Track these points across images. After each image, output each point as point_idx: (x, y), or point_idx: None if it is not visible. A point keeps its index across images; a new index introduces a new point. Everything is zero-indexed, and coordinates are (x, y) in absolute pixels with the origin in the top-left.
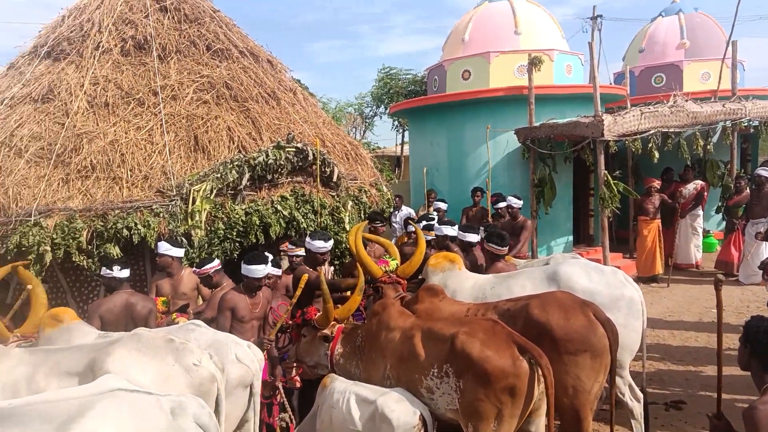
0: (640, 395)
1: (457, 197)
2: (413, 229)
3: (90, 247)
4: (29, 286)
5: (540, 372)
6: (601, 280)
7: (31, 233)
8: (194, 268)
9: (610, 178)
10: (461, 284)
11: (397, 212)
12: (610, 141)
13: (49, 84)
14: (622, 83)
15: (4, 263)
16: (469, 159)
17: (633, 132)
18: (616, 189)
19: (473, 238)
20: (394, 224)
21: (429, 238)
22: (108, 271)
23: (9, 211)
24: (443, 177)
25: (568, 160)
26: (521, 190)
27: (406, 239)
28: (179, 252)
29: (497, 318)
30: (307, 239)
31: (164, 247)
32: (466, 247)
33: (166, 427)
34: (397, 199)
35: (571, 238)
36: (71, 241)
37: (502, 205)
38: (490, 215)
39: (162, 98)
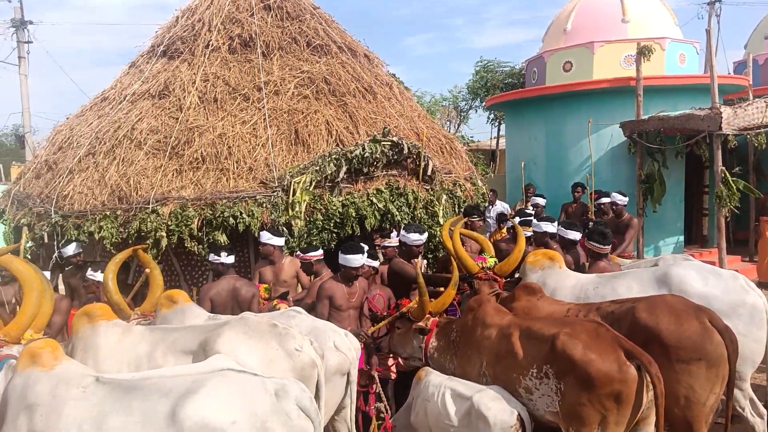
0: (764, 411)
1: (555, 193)
2: (509, 225)
3: (200, 233)
4: (147, 270)
5: (649, 379)
6: (718, 284)
7: (149, 220)
8: (298, 252)
9: (728, 174)
10: (561, 283)
11: (491, 207)
12: (728, 135)
13: (165, 81)
14: (743, 73)
15: (125, 247)
16: (569, 153)
17: (756, 125)
18: (735, 187)
19: (575, 235)
20: (487, 219)
21: (527, 234)
22: (216, 257)
23: (130, 199)
24: (541, 171)
25: (680, 155)
26: (626, 186)
27: (500, 235)
28: (280, 241)
29: (600, 320)
30: (402, 232)
31: (266, 237)
32: (567, 245)
33: (270, 408)
34: (491, 193)
35: (681, 238)
36: (184, 227)
37: (605, 200)
38: (591, 212)
39: (265, 93)
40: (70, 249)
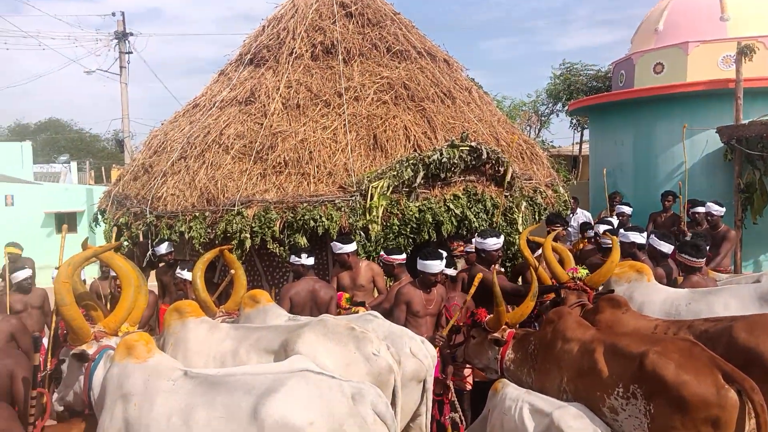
0: None
1: (643, 201)
2: (592, 234)
3: (282, 235)
4: (232, 270)
5: (751, 407)
6: None
7: (234, 221)
8: (382, 253)
9: None
10: (650, 297)
11: (572, 215)
12: None
13: (251, 88)
14: None
15: (213, 247)
16: (659, 160)
17: None
18: None
19: (667, 247)
20: (569, 228)
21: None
22: (296, 258)
23: (218, 201)
24: (627, 179)
25: None
26: (722, 195)
27: (582, 245)
28: (352, 247)
29: (692, 339)
30: (477, 239)
31: (337, 247)
32: (658, 257)
33: (347, 411)
34: (573, 201)
35: None
36: (267, 229)
37: (700, 210)
38: (684, 222)
39: (346, 99)
40: (163, 248)
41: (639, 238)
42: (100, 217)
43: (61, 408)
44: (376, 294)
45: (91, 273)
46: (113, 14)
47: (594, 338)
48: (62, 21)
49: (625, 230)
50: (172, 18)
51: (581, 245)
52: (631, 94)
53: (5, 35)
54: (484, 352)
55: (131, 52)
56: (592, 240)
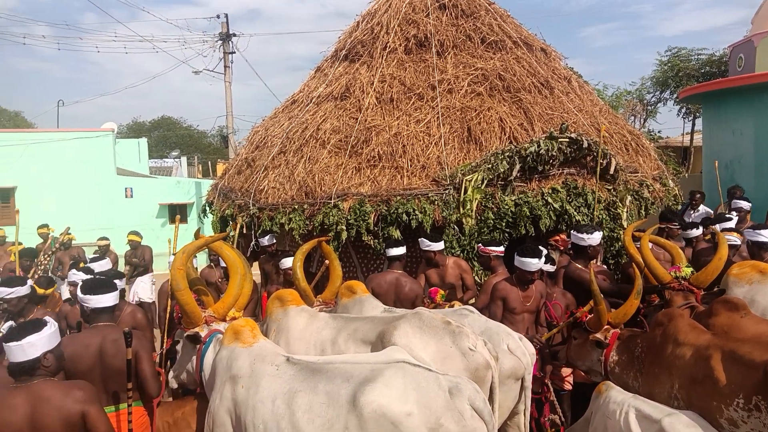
0: None
1: (765, 196)
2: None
3: (376, 228)
4: (327, 261)
5: None
6: None
7: (331, 214)
8: (479, 245)
9: None
10: None
11: (692, 212)
12: None
13: (346, 83)
14: None
15: (311, 238)
16: None
17: None
18: None
19: None
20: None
21: (734, 242)
22: (387, 249)
23: (315, 194)
24: (747, 171)
25: None
26: None
27: (704, 244)
28: (439, 245)
29: None
30: (574, 233)
31: (425, 244)
32: None
33: (443, 405)
34: (698, 195)
35: None
36: (361, 222)
37: None
38: None
39: (439, 92)
40: (266, 239)
41: (765, 236)
42: (207, 208)
43: (176, 385)
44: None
45: (201, 261)
46: (218, 17)
47: (710, 343)
48: (173, 24)
49: (754, 229)
50: (271, 18)
51: (704, 244)
52: (752, 79)
53: (124, 40)
54: (586, 353)
55: (234, 52)
56: (707, 238)
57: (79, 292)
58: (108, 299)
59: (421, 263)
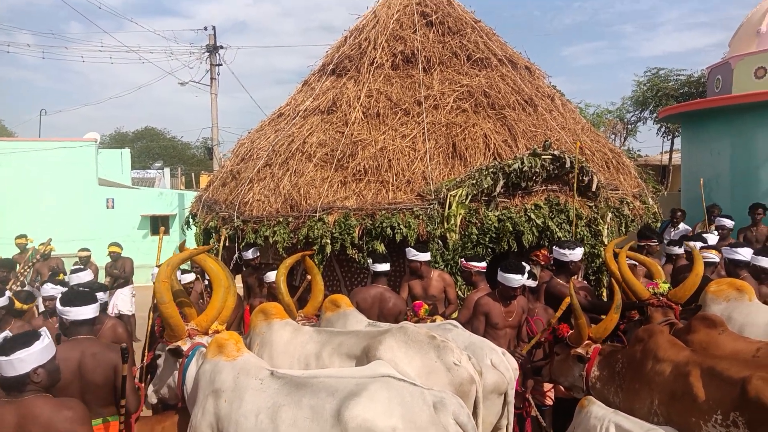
0: None
1: (741, 215)
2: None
3: (361, 242)
4: (309, 276)
5: None
6: None
7: (316, 227)
8: (462, 260)
9: None
10: (752, 318)
11: (672, 229)
12: None
13: (333, 97)
14: None
15: (295, 251)
16: (760, 171)
17: None
18: None
19: None
20: (665, 241)
21: (713, 260)
22: (373, 264)
23: (300, 207)
24: (724, 191)
25: None
26: None
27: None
28: (426, 256)
29: None
30: (557, 249)
31: (411, 253)
32: (761, 275)
33: (428, 420)
34: (679, 213)
35: None
36: (346, 236)
37: None
38: None
39: (425, 108)
40: (250, 253)
41: (742, 254)
42: (191, 220)
43: (155, 400)
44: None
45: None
46: (205, 29)
47: (689, 360)
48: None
49: (732, 246)
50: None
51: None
52: (729, 100)
53: (110, 50)
54: (569, 369)
55: (221, 65)
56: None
57: (58, 304)
58: (88, 311)
59: (406, 273)
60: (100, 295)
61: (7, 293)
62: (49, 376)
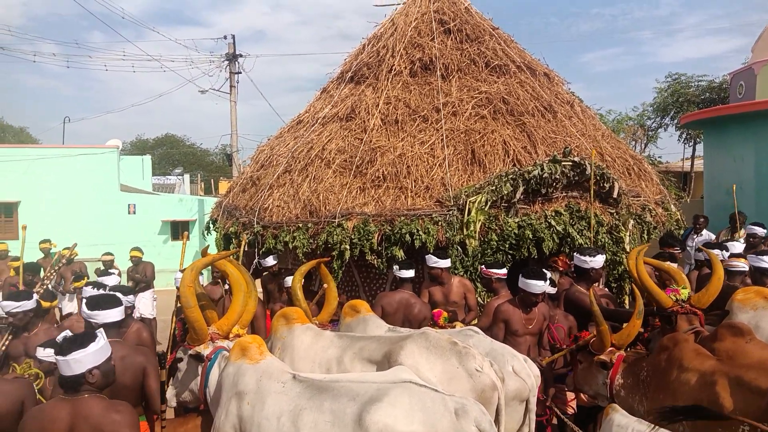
0: None
1: (766, 221)
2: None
3: (379, 248)
4: (325, 285)
5: None
6: None
7: (335, 233)
8: (482, 266)
9: None
10: None
11: (695, 236)
12: None
13: (352, 105)
14: None
15: (314, 257)
16: None
17: None
18: None
19: None
20: (689, 248)
21: (742, 268)
22: (399, 270)
23: (319, 213)
24: (748, 198)
25: None
26: None
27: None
28: (446, 263)
29: None
30: (577, 256)
31: (432, 261)
32: None
33: (449, 426)
34: (702, 220)
35: None
36: (365, 241)
37: None
38: None
39: (443, 114)
40: (270, 260)
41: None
42: (211, 226)
43: (175, 403)
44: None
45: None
46: (225, 37)
47: (715, 369)
48: (181, 44)
49: (757, 254)
50: (276, 39)
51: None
52: (753, 106)
53: (133, 59)
54: (592, 377)
55: (240, 72)
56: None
57: (85, 308)
58: (115, 314)
59: (425, 280)
60: (129, 298)
61: (35, 296)
62: (104, 376)
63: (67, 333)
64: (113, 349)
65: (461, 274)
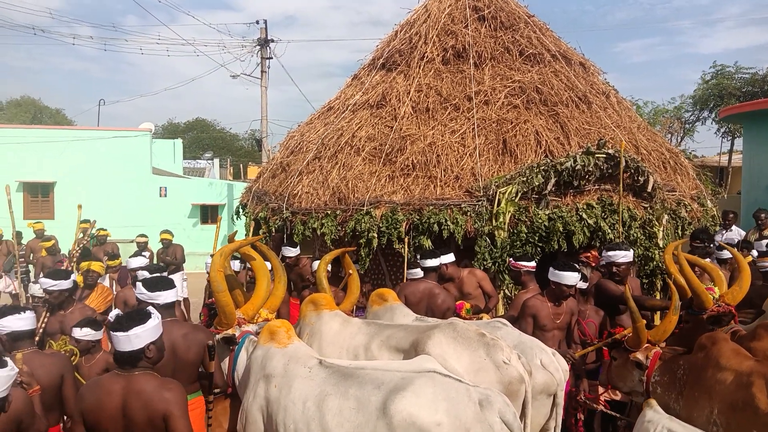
0: None
1: None
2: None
3: (407, 237)
4: (350, 271)
5: None
6: None
7: (363, 220)
8: (510, 259)
9: None
10: None
11: (724, 232)
12: None
13: (383, 92)
14: None
15: (343, 244)
16: None
17: None
18: None
19: None
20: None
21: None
22: (422, 259)
23: (348, 201)
24: None
25: None
26: None
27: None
28: (449, 257)
29: None
30: (605, 251)
31: (426, 263)
32: None
33: (473, 416)
34: (731, 215)
35: None
36: (393, 230)
37: None
38: None
39: (475, 103)
40: (290, 251)
41: None
42: (241, 210)
43: None
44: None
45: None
46: (257, 22)
47: (752, 370)
48: (214, 28)
49: None
50: (306, 24)
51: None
52: None
53: (167, 43)
54: (627, 374)
55: (271, 58)
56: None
57: (143, 290)
58: (172, 295)
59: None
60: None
61: (73, 276)
62: (158, 352)
63: (117, 312)
64: (175, 327)
65: (489, 265)
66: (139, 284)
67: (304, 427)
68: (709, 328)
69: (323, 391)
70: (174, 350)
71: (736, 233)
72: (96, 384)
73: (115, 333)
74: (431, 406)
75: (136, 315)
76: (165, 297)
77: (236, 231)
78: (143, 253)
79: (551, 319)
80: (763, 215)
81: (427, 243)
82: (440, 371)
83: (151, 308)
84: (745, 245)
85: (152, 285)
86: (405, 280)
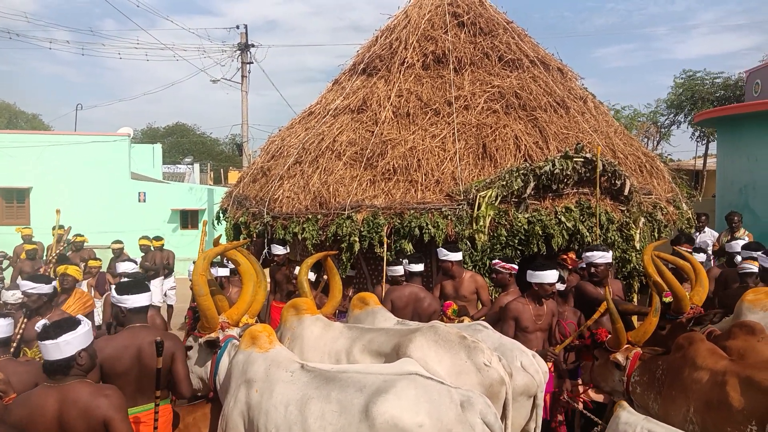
0: None
1: None
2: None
3: (389, 241)
4: (325, 276)
5: None
6: None
7: (344, 225)
8: (497, 261)
9: None
10: None
11: (698, 234)
12: None
13: (364, 97)
14: None
15: (324, 248)
16: None
17: None
18: None
19: None
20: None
21: (751, 270)
22: (408, 264)
23: (329, 205)
24: (762, 197)
25: None
26: None
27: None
28: (457, 256)
29: None
30: (585, 253)
31: (443, 254)
32: None
33: (455, 418)
34: (704, 218)
35: None
36: (374, 234)
37: None
38: None
39: (455, 108)
40: (279, 249)
41: None
42: (221, 215)
43: None
44: (479, 306)
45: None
46: (237, 27)
47: (727, 369)
48: (194, 33)
49: (766, 254)
50: (288, 30)
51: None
52: None
53: (146, 47)
54: (608, 374)
55: (252, 63)
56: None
57: (114, 293)
58: (144, 299)
59: (438, 274)
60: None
61: (53, 282)
62: (90, 359)
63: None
64: (143, 332)
65: (470, 268)
66: (112, 287)
67: (287, 431)
68: (687, 329)
69: (305, 394)
70: (139, 356)
71: (710, 235)
72: (26, 398)
73: (44, 342)
74: (413, 408)
75: (64, 323)
76: (134, 301)
77: (220, 235)
78: (132, 258)
79: (533, 321)
80: (735, 218)
81: (409, 247)
82: (422, 373)
83: (80, 316)
84: (726, 253)
85: (121, 288)
86: (384, 279)
